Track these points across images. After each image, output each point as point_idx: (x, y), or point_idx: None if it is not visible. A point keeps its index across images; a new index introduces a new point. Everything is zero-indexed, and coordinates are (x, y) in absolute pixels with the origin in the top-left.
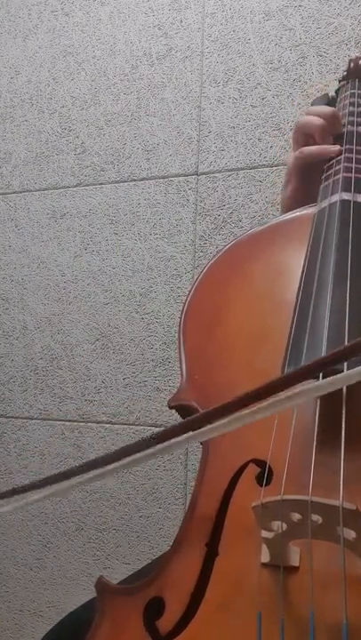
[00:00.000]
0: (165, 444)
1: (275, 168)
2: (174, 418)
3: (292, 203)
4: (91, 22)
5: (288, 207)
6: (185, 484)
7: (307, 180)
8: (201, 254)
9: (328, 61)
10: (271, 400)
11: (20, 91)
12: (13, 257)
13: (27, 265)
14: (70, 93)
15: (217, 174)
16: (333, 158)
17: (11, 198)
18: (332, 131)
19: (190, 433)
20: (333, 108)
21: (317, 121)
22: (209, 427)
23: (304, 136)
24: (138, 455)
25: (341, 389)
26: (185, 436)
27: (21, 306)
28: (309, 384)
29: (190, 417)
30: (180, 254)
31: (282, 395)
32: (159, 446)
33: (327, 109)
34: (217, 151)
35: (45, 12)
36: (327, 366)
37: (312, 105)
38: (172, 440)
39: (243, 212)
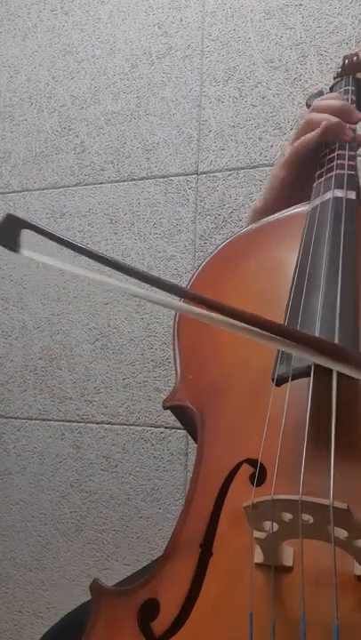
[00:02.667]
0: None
1: None
2: (174, 418)
3: (278, 194)
4: (90, 21)
5: (273, 197)
6: (184, 484)
7: (298, 173)
8: (201, 254)
9: (328, 60)
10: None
11: (20, 90)
12: (12, 256)
13: (26, 265)
14: (70, 92)
15: (217, 173)
16: (327, 154)
17: (10, 198)
18: (349, 123)
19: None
20: (342, 102)
21: (334, 121)
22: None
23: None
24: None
25: (331, 391)
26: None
27: (21, 306)
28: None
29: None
30: (180, 254)
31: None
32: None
33: (335, 104)
34: (217, 150)
35: (45, 10)
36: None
37: (307, 101)
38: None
39: (243, 211)
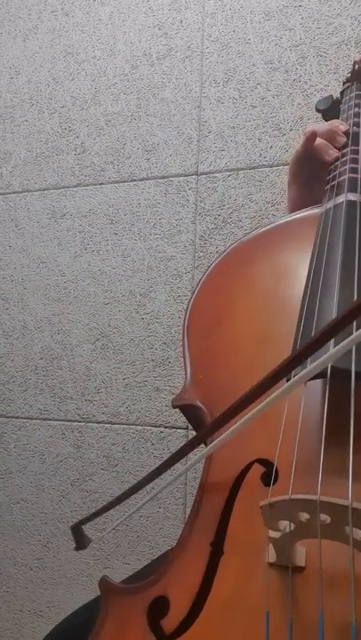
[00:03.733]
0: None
1: (275, 168)
2: (174, 418)
3: (297, 202)
4: (91, 22)
5: (294, 204)
6: (185, 483)
7: (307, 183)
8: (201, 254)
9: (328, 61)
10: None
11: (20, 91)
12: (13, 257)
13: (27, 265)
14: (70, 93)
15: (217, 174)
16: (338, 160)
17: (11, 198)
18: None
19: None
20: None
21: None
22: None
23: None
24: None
25: (350, 391)
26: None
27: (21, 306)
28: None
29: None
30: (180, 254)
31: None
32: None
33: (323, 128)
34: (217, 151)
35: (45, 12)
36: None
37: (316, 106)
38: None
39: (243, 211)
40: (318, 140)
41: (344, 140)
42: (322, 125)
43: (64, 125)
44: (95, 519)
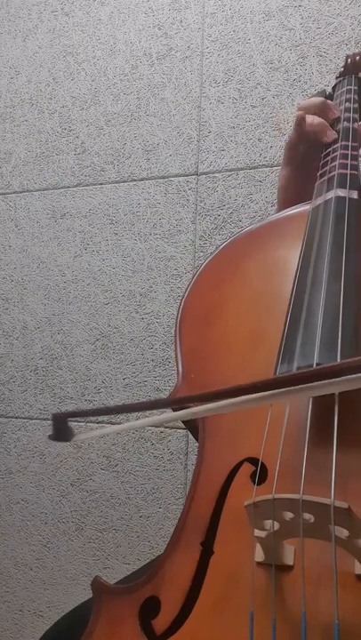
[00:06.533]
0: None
1: (275, 168)
2: None
3: (287, 186)
4: (91, 22)
5: (284, 190)
6: (185, 484)
7: (299, 169)
8: (201, 254)
9: (328, 61)
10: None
11: (20, 91)
12: (13, 257)
13: (27, 265)
14: (70, 93)
15: (217, 174)
16: (329, 153)
17: (11, 198)
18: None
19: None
20: (321, 99)
21: (316, 120)
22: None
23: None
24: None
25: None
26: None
27: (21, 306)
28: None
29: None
30: (180, 254)
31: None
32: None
33: (315, 102)
34: (217, 151)
35: (45, 12)
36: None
37: None
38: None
39: (243, 211)
40: (316, 121)
41: (336, 114)
42: (311, 102)
43: (64, 125)
44: (82, 417)
